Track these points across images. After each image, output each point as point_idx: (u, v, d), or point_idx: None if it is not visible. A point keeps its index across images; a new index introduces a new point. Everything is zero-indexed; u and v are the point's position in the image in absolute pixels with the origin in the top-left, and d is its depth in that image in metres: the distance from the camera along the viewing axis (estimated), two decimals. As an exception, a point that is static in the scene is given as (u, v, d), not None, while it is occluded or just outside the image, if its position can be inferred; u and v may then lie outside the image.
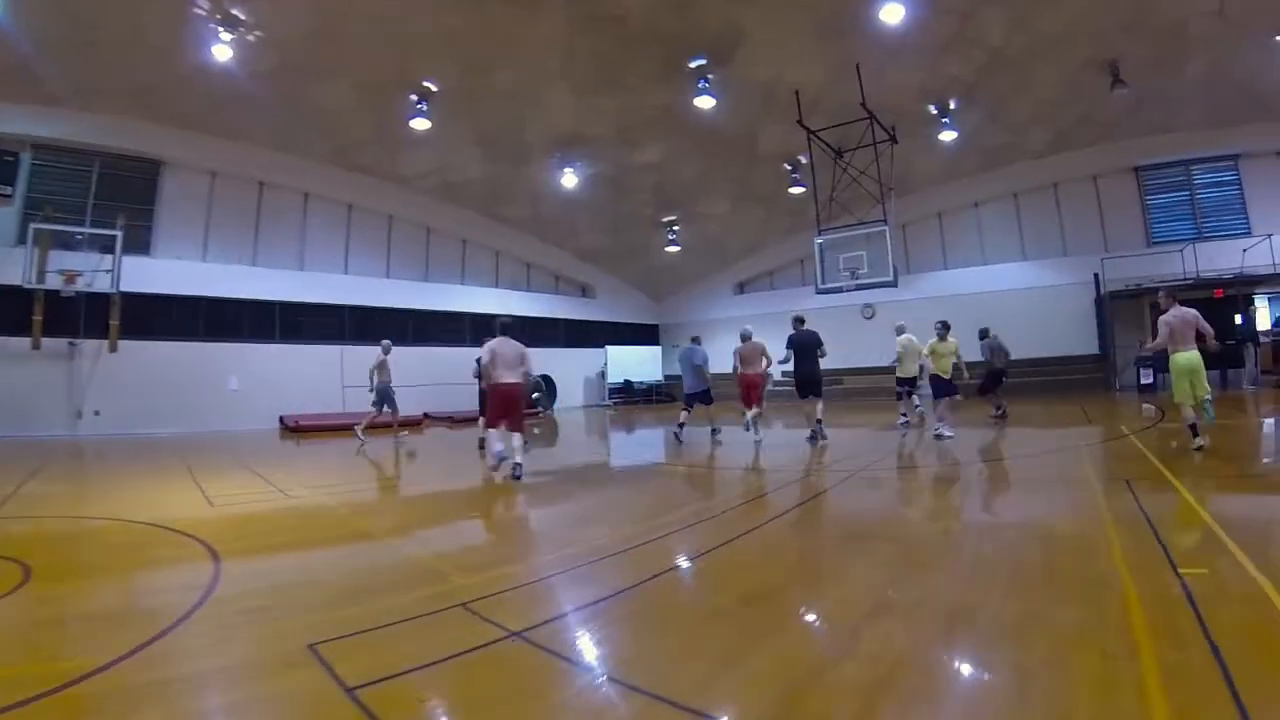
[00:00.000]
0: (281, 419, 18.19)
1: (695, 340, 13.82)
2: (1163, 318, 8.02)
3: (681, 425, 12.46)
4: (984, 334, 15.04)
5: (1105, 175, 22.22)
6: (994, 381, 14.54)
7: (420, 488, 9.19)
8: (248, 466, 10.74)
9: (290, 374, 18.95)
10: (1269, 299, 20.60)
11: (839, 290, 17.79)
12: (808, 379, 11.90)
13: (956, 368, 11.73)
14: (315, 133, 18.29)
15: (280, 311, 19.39)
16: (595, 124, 18.78)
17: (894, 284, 17.06)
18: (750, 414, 11.32)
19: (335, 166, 19.99)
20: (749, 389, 11.62)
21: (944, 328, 11.82)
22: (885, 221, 16.79)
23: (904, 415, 13.18)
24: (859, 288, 17.60)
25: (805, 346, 11.92)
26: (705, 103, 17.34)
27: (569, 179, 20.87)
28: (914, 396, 13.71)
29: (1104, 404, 16.58)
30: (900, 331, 13.80)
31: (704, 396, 13.02)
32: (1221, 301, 19.04)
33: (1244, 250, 19.04)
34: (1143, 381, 19.18)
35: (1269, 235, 18.73)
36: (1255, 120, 19.38)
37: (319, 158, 19.52)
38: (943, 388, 11.69)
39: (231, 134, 17.88)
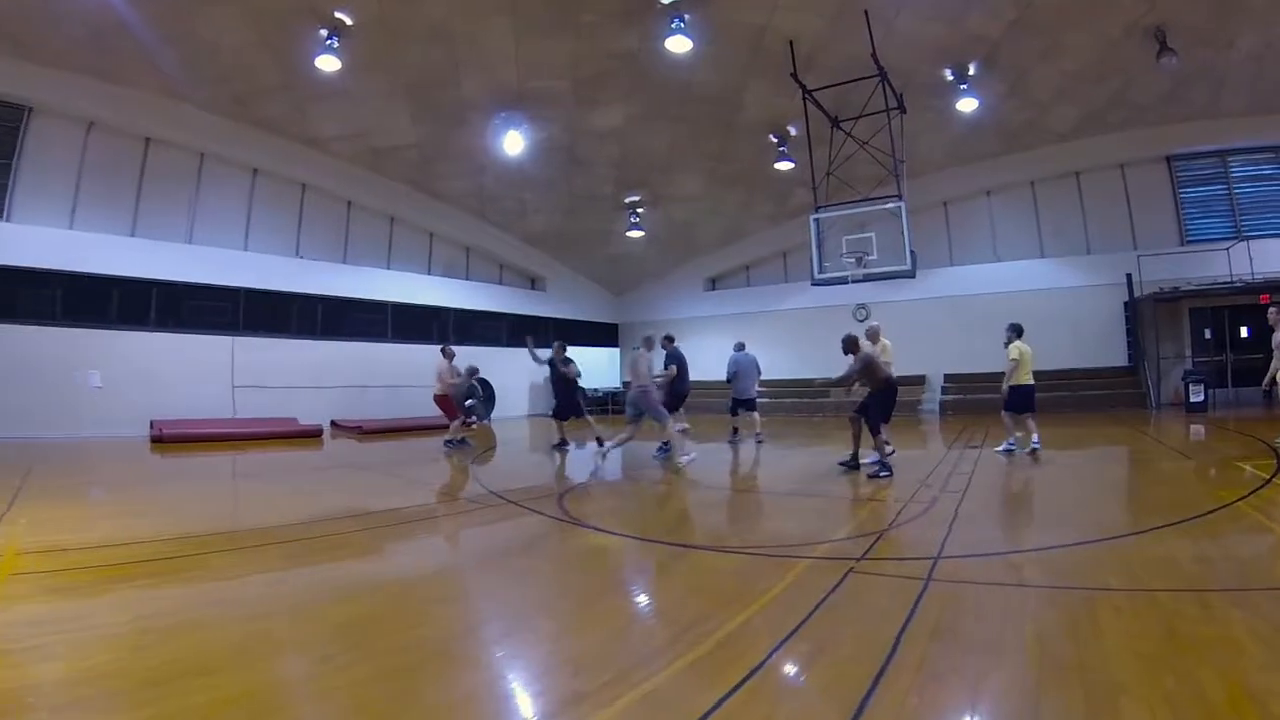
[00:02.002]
0: (154, 425, 15.85)
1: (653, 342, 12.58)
2: None
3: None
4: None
5: (1134, 164, 21.41)
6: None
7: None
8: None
9: (168, 369, 16.77)
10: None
11: (843, 281, 15.97)
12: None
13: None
14: (209, 77, 16.15)
15: (160, 293, 17.16)
16: (545, 74, 16.78)
17: (912, 273, 15.35)
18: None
19: (237, 122, 17.84)
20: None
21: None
22: (900, 197, 15.01)
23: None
24: (868, 277, 15.90)
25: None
26: (679, 45, 15.01)
27: (514, 144, 18.76)
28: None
29: (1156, 430, 15.22)
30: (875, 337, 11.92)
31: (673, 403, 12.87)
32: (1266, 308, 18.04)
33: None
34: (1193, 399, 17.97)
35: None
36: None
37: (218, 110, 17.38)
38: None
39: (115, 78, 15.77)
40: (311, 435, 16.80)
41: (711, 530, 7.10)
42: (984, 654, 3.30)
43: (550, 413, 14.62)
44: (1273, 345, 10.60)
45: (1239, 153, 20.52)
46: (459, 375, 14.61)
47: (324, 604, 4.44)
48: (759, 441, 13.73)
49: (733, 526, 7.29)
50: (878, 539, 5.79)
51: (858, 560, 5.04)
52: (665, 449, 11.58)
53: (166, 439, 14.89)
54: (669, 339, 13.27)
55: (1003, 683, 3.03)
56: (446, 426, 14.40)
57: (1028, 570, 4.91)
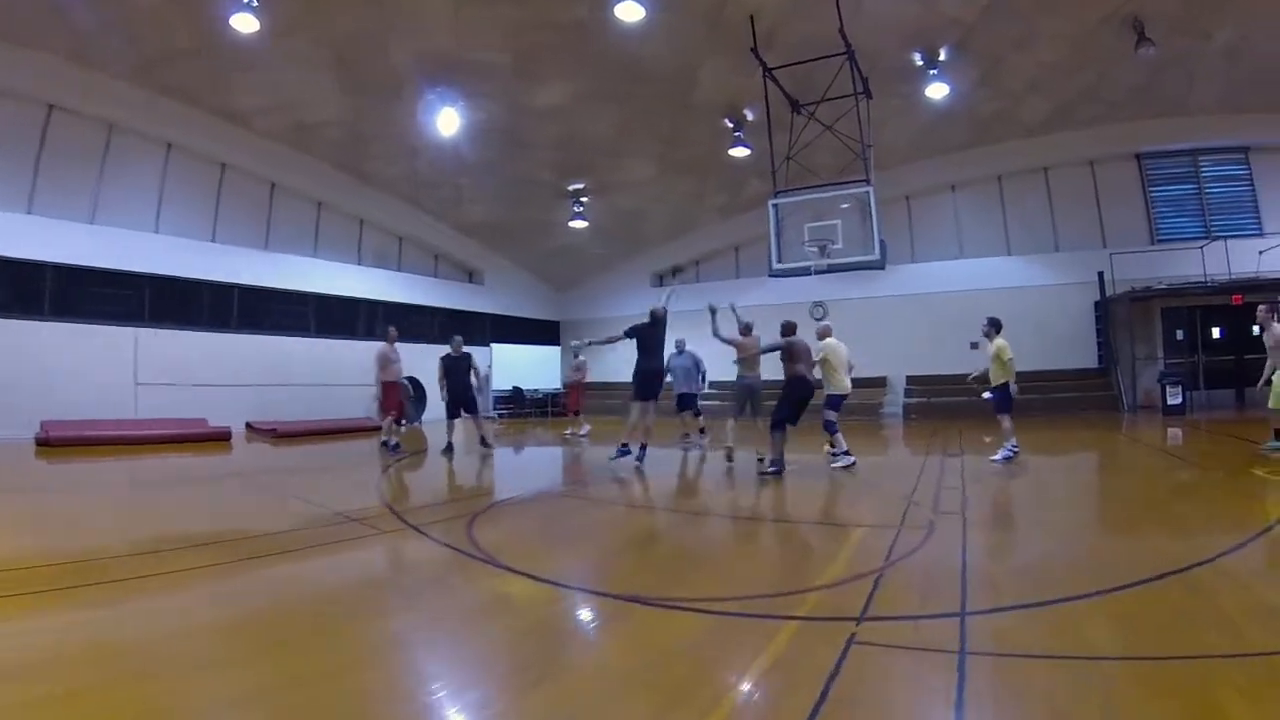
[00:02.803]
0: (43, 426, 14.51)
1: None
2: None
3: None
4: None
5: (1104, 161, 21.87)
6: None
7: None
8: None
9: (63, 364, 15.49)
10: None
11: (805, 272, 15.42)
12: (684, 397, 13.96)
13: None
14: (118, 39, 14.99)
15: (56, 277, 15.92)
16: (483, 44, 15.92)
17: (881, 264, 14.82)
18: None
19: (149, 91, 16.64)
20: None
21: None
22: (868, 182, 14.43)
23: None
24: (832, 268, 15.22)
25: (678, 369, 13.81)
26: (631, 12, 14.45)
27: (450, 122, 17.90)
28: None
29: (1142, 434, 15.06)
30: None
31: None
32: (1238, 309, 18.82)
33: (1260, 252, 18.79)
34: (1170, 402, 18.14)
35: None
36: (1269, 110, 19.18)
37: (128, 77, 16.21)
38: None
39: (15, 38, 14.55)
40: (220, 438, 15.76)
41: (659, 571, 5.38)
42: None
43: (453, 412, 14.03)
44: (1266, 345, 10.28)
45: (1209, 152, 21.11)
46: (397, 360, 13.92)
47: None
48: (685, 450, 13.16)
49: (685, 565, 5.53)
50: (876, 584, 4.55)
51: (857, 622, 3.79)
52: (625, 450, 11.16)
53: (54, 442, 13.68)
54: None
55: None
56: (374, 429, 14.05)
57: (1092, 629, 3.66)
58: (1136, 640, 3.50)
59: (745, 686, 3.07)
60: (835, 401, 10.81)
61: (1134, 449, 13.31)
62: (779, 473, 9.26)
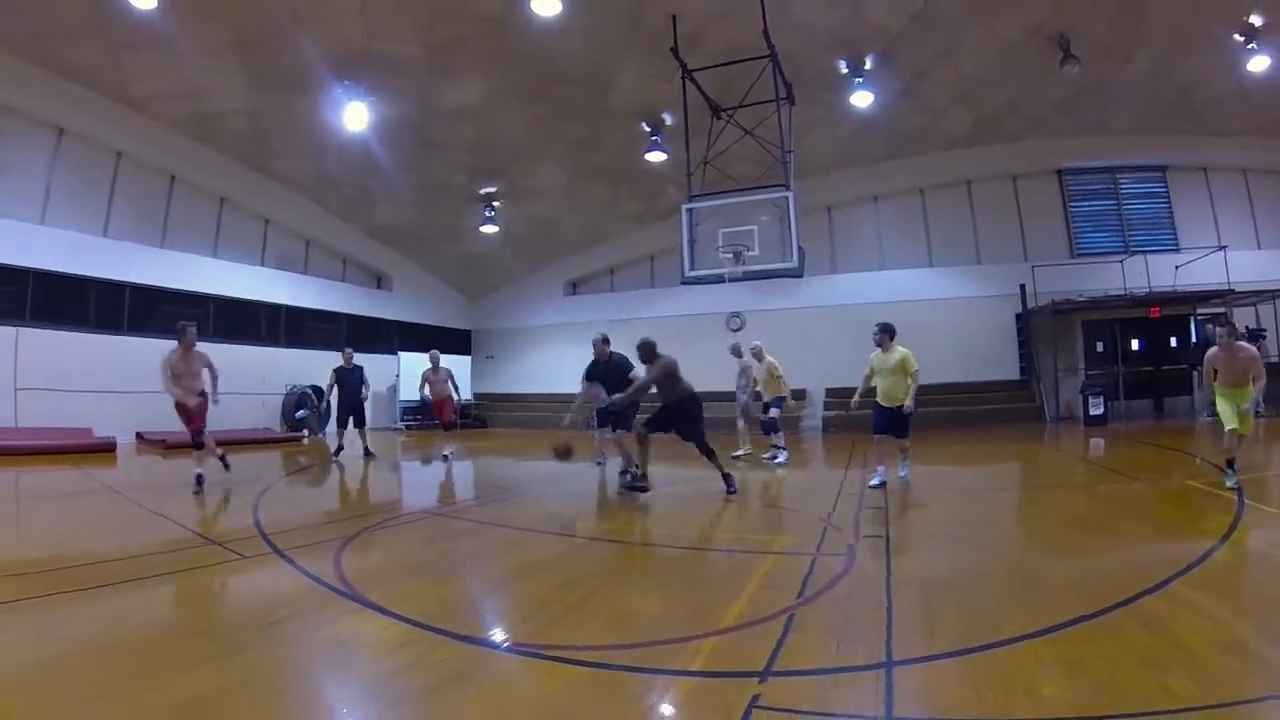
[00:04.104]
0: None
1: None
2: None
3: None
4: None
5: (1026, 176, 23.04)
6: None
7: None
8: None
9: None
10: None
11: (719, 279, 15.40)
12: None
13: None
14: (4, 6, 14.50)
15: (-74, 270, 15.51)
16: (394, 35, 15.94)
17: (799, 272, 14.86)
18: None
19: (38, 67, 16.20)
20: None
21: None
22: (787, 186, 14.66)
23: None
24: (748, 275, 15.30)
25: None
26: (548, 6, 14.63)
27: (358, 118, 17.78)
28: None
29: (1065, 446, 15.44)
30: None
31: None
32: (1156, 321, 20.68)
33: (1177, 267, 20.19)
34: (1092, 412, 19.06)
35: (1223, 247, 19.67)
36: (1186, 132, 20.81)
37: (14, 51, 15.72)
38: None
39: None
40: (105, 449, 15.31)
41: (533, 608, 4.78)
42: None
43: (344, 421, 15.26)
44: (1218, 366, 9.93)
45: (1127, 170, 22.52)
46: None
47: None
48: (598, 463, 12.83)
49: (569, 601, 4.79)
50: (786, 628, 4.06)
51: (761, 679, 3.32)
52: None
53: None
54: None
55: None
56: (272, 441, 14.68)
57: (1041, 679, 3.23)
58: (1093, 693, 3.07)
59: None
60: (780, 403, 13.50)
61: (1060, 461, 13.60)
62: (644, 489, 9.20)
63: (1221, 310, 19.33)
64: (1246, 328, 18.57)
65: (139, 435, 17.34)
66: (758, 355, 13.78)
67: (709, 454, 9.22)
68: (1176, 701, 2.88)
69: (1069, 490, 9.96)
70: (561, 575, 5.58)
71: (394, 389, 25.63)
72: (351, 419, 15.08)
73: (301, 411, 18.77)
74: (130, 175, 18.96)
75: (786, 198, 14.49)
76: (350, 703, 3.31)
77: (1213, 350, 8.73)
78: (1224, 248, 19.46)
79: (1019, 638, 3.72)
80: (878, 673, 3.36)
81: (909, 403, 9.51)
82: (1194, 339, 19.60)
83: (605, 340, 11.03)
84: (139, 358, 17.47)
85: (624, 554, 6.64)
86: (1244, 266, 19.63)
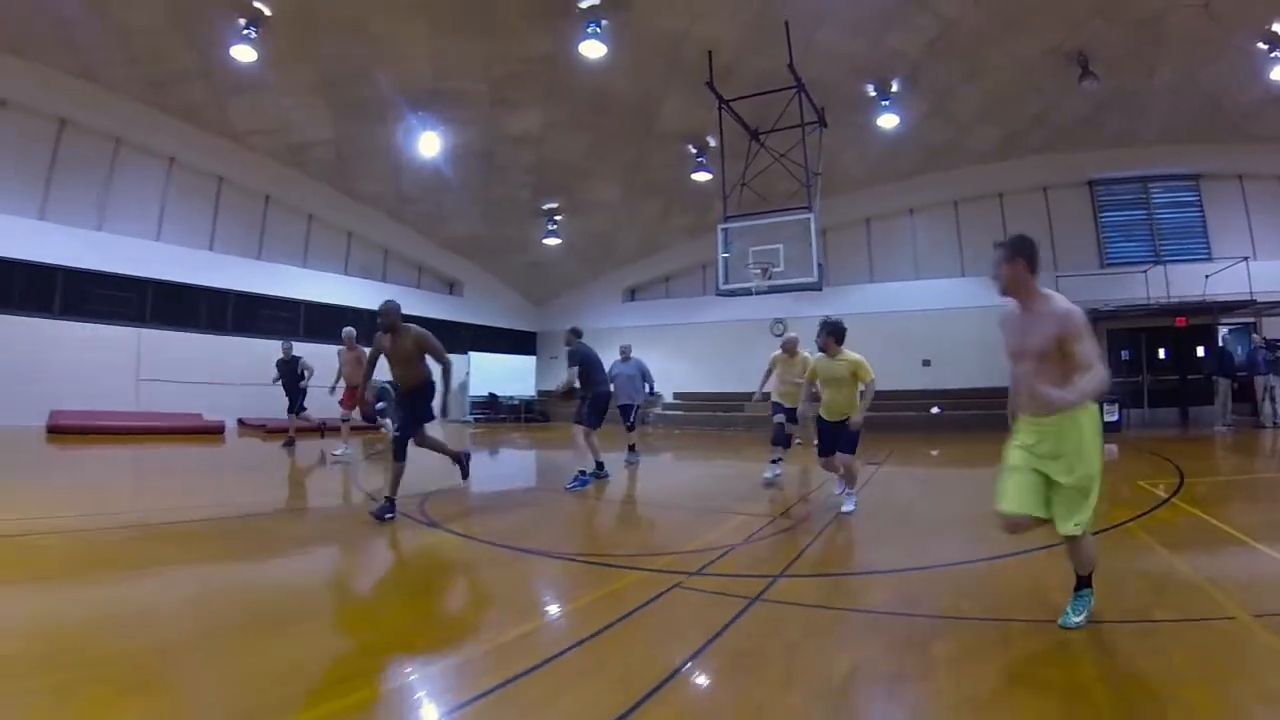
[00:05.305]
0: (53, 414, 16.77)
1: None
2: None
3: None
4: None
5: (1056, 187, 23.15)
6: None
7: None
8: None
9: (71, 359, 17.74)
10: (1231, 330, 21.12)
11: (747, 293, 17.15)
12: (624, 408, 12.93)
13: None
14: (124, 59, 17.28)
15: (66, 279, 18.24)
16: (461, 75, 18.12)
17: (818, 286, 16.41)
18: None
19: (154, 109, 19.09)
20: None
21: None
22: (810, 208, 16.31)
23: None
24: (772, 289, 16.98)
25: (619, 378, 12.57)
26: (593, 49, 16.34)
27: (431, 146, 20.20)
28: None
29: None
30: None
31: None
32: (1183, 331, 20.37)
33: (1207, 276, 19.83)
34: (1107, 419, 18.32)
35: (1244, 258, 19.47)
36: (1218, 140, 20.35)
37: (134, 95, 18.59)
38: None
39: (28, 54, 16.82)
40: (213, 432, 17.74)
41: (557, 540, 6.58)
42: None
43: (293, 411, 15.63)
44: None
45: (1159, 179, 22.30)
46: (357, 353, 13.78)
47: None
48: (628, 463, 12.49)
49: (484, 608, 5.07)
50: (723, 555, 5.81)
51: (689, 576, 5.07)
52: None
53: (62, 430, 15.93)
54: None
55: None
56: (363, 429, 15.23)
57: (866, 593, 4.98)
58: (902, 604, 4.56)
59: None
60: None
61: None
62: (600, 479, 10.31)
63: (1251, 320, 19.57)
64: (1264, 339, 18.55)
65: (240, 421, 19.83)
66: (790, 349, 10.77)
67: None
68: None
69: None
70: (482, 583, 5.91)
71: (465, 386, 27.66)
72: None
73: (380, 404, 20.96)
74: (231, 197, 21.79)
75: (809, 219, 16.09)
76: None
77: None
78: (1246, 259, 19.48)
79: (882, 570, 5.53)
80: (766, 579, 5.02)
81: (857, 418, 7.60)
82: (1222, 348, 19.44)
83: (629, 347, 12.77)
84: (241, 354, 20.29)
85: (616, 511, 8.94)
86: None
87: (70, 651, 3.47)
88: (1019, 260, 4.04)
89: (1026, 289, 4.06)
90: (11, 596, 4.49)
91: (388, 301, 7.80)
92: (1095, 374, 3.64)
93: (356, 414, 13.49)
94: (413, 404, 7.79)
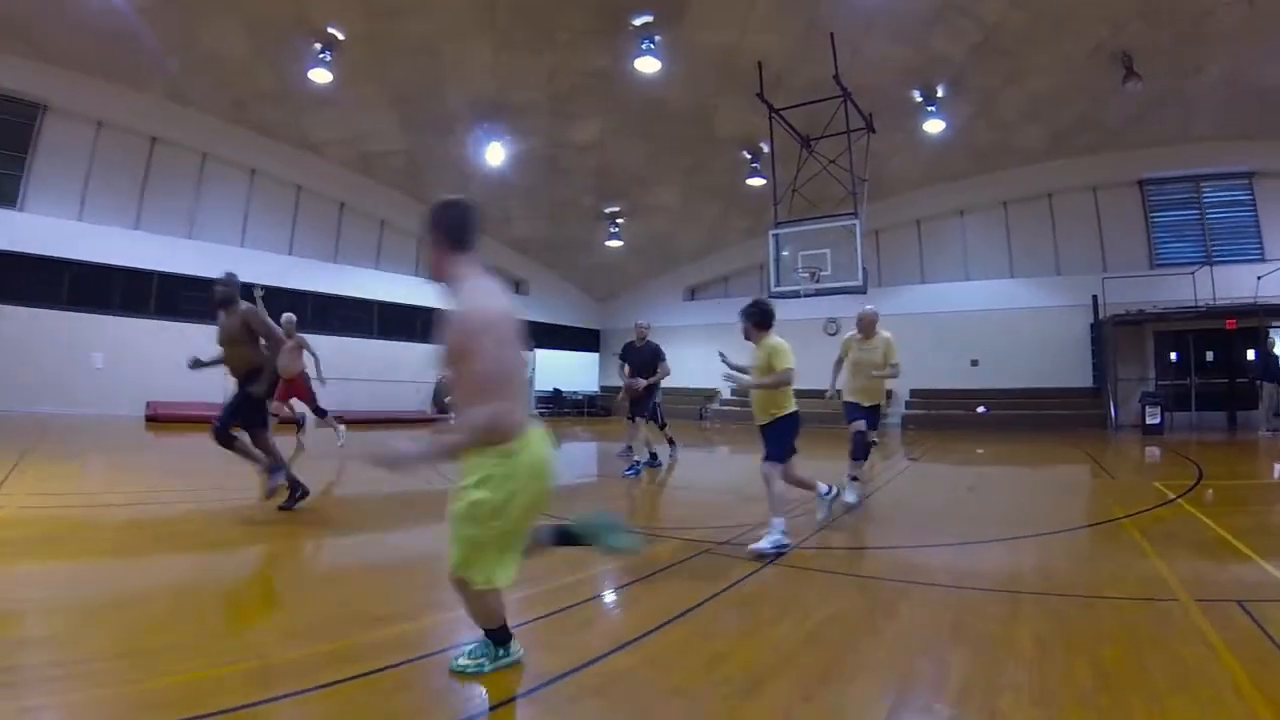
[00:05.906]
0: (149, 405, 18.51)
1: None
2: None
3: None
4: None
5: (1106, 187, 23.18)
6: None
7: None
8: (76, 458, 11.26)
9: (163, 354, 18.67)
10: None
11: (795, 295, 17.59)
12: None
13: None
14: (211, 82, 18.78)
15: (160, 283, 19.88)
16: (523, 89, 19.14)
17: (863, 289, 16.64)
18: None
19: (237, 125, 20.68)
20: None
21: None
22: (856, 215, 16.82)
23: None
24: (819, 292, 17.63)
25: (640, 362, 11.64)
26: (648, 65, 17.17)
27: (496, 154, 21.32)
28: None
29: (1098, 450, 15.70)
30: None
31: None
32: (1232, 334, 19.88)
33: (1259, 278, 19.52)
34: (1149, 421, 19.28)
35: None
36: (1273, 136, 20.10)
37: (219, 113, 20.17)
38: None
39: (123, 79, 18.43)
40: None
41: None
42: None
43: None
44: None
45: (1211, 178, 22.05)
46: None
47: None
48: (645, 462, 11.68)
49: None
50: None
51: (718, 544, 5.95)
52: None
53: (159, 418, 17.66)
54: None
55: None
56: (428, 420, 16.13)
57: (869, 565, 5.71)
58: (898, 573, 5.27)
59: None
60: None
61: (1071, 455, 14.50)
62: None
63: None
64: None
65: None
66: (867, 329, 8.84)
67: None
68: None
69: (1036, 473, 12.11)
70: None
71: (530, 380, 28.63)
72: None
73: (449, 397, 22.11)
74: (308, 204, 23.39)
75: (854, 224, 16.69)
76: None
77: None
78: (1280, 260, 19.39)
79: (901, 546, 6.35)
80: (786, 551, 5.63)
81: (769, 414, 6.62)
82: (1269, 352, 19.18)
83: (647, 326, 11.77)
84: (319, 351, 21.36)
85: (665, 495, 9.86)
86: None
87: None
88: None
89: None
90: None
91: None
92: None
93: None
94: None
